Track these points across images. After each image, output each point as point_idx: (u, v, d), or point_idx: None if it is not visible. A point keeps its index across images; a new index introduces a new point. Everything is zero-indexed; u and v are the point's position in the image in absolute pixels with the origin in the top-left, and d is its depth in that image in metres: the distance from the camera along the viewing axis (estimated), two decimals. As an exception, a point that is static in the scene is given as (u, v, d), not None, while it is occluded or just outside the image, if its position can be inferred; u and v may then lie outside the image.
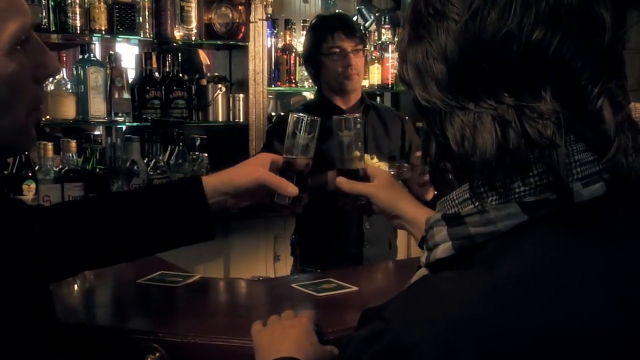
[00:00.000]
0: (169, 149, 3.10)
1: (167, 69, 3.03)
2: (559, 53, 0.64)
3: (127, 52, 3.71)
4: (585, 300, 0.61)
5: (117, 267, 1.69)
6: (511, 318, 0.60)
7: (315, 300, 1.50)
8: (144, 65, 2.98)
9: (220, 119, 3.16)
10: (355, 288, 1.58)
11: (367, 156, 2.33)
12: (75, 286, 1.64)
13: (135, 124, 2.99)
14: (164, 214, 1.22)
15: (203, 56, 4.03)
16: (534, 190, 0.64)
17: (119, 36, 2.93)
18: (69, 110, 2.78)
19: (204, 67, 3.95)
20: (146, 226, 1.20)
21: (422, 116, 0.72)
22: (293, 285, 1.61)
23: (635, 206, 0.68)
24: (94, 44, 2.89)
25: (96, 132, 3.27)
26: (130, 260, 1.34)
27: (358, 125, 1.39)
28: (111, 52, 3.03)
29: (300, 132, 1.33)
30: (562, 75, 0.65)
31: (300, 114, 1.35)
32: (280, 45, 3.31)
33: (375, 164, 2.25)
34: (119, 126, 3.16)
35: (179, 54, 3.05)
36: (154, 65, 3.04)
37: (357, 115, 1.40)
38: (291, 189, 1.29)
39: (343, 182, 1.37)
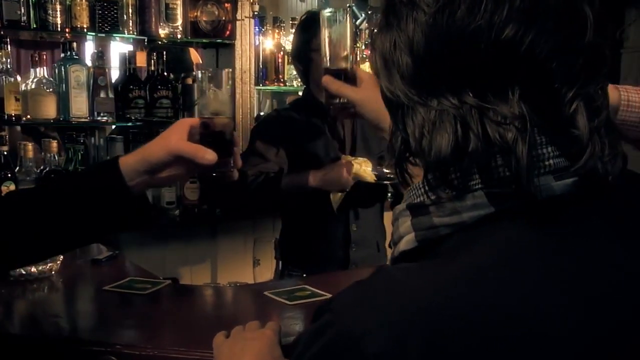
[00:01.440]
0: (154, 149, 3.03)
1: (153, 68, 2.96)
2: (532, 52, 0.60)
3: (122, 51, 3.63)
4: (547, 297, 0.58)
5: (86, 273, 1.63)
6: (467, 309, 0.56)
7: (287, 309, 1.43)
8: (127, 64, 2.90)
9: (206, 119, 3.08)
10: (329, 296, 1.52)
11: (348, 156, 2.28)
12: (39, 293, 1.57)
13: (119, 124, 2.92)
14: (82, 202, 1.12)
15: (194, 55, 3.96)
16: (500, 181, 0.61)
17: (101, 34, 2.86)
18: (49, 109, 2.71)
19: (194, 66, 3.89)
20: (67, 217, 1.12)
21: (387, 108, 0.69)
22: (266, 292, 1.54)
23: (609, 207, 0.65)
24: (74, 41, 2.80)
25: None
26: (61, 253, 1.25)
27: (347, 20, 1.29)
28: (94, 50, 2.96)
29: (212, 87, 1.19)
30: (534, 76, 0.61)
31: (209, 69, 1.25)
32: (268, 43, 3.24)
33: (356, 162, 2.19)
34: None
35: (164, 52, 2.98)
36: (138, 64, 2.97)
37: (347, 7, 1.29)
38: (209, 155, 1.14)
39: (329, 82, 1.24)
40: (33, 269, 1.63)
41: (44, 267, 1.64)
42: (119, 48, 3.76)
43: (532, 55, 0.60)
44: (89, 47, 4.01)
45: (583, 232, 0.62)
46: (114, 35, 2.90)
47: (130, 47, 3.97)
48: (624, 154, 0.65)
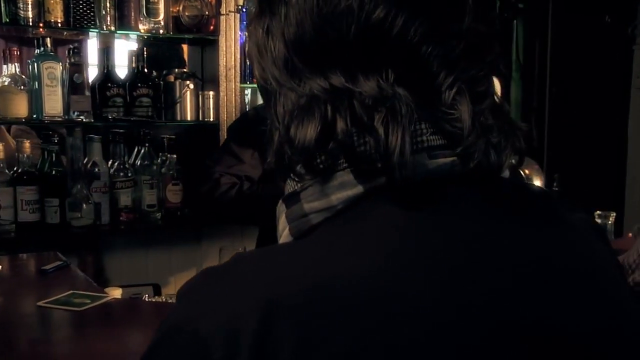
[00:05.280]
0: (135, 150, 2.91)
1: (133, 65, 2.84)
2: (405, 36, 0.58)
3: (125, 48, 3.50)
4: (404, 270, 0.54)
5: (29, 284, 1.50)
6: (307, 284, 0.53)
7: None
8: (105, 61, 2.78)
9: (189, 118, 2.95)
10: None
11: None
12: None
13: (95, 123, 2.80)
14: None
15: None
16: (368, 158, 0.58)
17: (76, 30, 2.74)
18: (20, 108, 2.59)
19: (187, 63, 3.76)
20: None
21: (263, 99, 0.69)
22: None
23: (484, 190, 0.62)
24: (48, 37, 2.67)
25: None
26: None
27: None
28: (70, 46, 2.84)
29: None
30: (409, 61, 0.59)
31: None
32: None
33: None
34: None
35: (144, 49, 2.85)
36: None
37: None
38: None
39: None
40: (-35, 281, 1.51)
41: (-22, 279, 1.51)
42: (123, 45, 3.63)
43: (405, 38, 0.58)
44: (92, 45, 3.89)
45: (453, 212, 0.60)
46: (90, 30, 2.77)
47: (134, 45, 3.84)
48: (520, 148, 0.63)
